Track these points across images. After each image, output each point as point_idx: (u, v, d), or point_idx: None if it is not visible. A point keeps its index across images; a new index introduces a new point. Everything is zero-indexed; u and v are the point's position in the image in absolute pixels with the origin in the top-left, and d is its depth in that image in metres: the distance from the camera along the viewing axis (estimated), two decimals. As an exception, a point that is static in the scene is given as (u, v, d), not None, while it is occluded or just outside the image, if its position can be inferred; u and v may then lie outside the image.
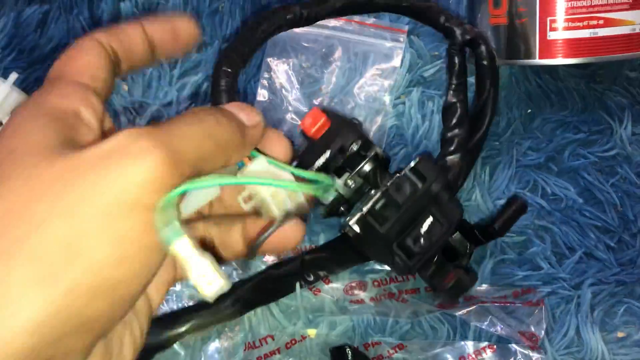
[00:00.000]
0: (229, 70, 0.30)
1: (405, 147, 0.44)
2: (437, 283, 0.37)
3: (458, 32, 0.38)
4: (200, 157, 0.22)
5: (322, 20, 0.35)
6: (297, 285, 0.41)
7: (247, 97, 0.46)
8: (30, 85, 0.45)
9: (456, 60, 0.39)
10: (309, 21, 0.34)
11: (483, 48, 0.39)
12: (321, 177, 0.28)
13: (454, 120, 0.38)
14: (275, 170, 0.27)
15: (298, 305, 0.41)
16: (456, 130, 0.38)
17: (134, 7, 0.47)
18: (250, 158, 0.26)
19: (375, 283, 0.41)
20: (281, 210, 0.27)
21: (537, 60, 0.41)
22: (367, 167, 0.35)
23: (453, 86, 0.39)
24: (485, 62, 0.39)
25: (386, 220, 0.33)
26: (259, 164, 0.26)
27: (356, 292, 0.41)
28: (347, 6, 0.36)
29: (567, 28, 0.39)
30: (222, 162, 0.23)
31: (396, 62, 0.46)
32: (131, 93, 0.45)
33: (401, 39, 0.46)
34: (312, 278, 0.41)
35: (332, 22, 0.47)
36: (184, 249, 0.21)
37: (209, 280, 0.21)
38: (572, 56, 0.40)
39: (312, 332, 0.41)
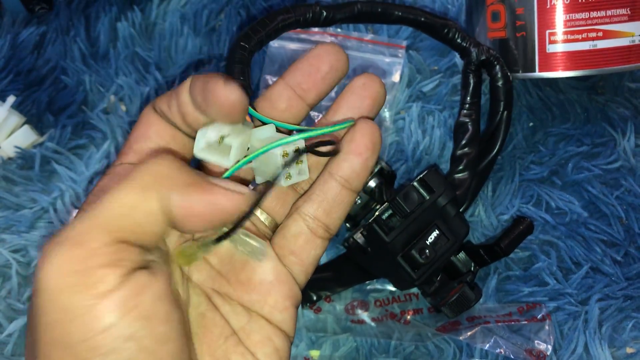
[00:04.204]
0: (245, 45, 0.30)
1: (406, 163, 0.44)
2: (440, 298, 0.37)
3: (474, 52, 0.38)
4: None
5: (338, 24, 0.34)
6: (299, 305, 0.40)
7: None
8: (27, 107, 0.45)
9: (471, 80, 0.38)
10: (326, 23, 0.33)
11: (498, 69, 0.38)
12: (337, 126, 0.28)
13: (465, 140, 0.38)
14: (281, 137, 0.27)
15: (300, 325, 0.40)
16: (466, 149, 0.38)
17: (131, 27, 0.46)
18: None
19: (378, 303, 0.41)
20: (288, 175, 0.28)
21: (537, 74, 0.40)
22: (372, 183, 0.35)
23: (466, 105, 0.38)
24: (499, 84, 0.38)
25: (392, 230, 0.33)
26: (267, 131, 0.27)
27: (358, 311, 0.41)
28: (365, 15, 0.35)
29: (567, 41, 0.39)
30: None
31: (395, 77, 0.46)
32: (129, 113, 0.45)
33: (400, 55, 0.46)
34: (314, 298, 0.40)
35: (328, 38, 0.47)
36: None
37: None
38: (572, 68, 0.39)
39: (315, 353, 0.40)
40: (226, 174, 0.26)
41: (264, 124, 0.28)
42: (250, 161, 0.26)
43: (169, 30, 0.47)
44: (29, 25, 0.47)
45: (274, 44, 0.46)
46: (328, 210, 0.28)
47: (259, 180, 0.30)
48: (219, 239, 0.25)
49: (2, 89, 0.45)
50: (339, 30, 0.47)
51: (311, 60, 0.29)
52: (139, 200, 0.22)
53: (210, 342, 0.26)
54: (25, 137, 0.43)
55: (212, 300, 0.27)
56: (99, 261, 0.21)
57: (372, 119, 0.30)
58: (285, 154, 0.26)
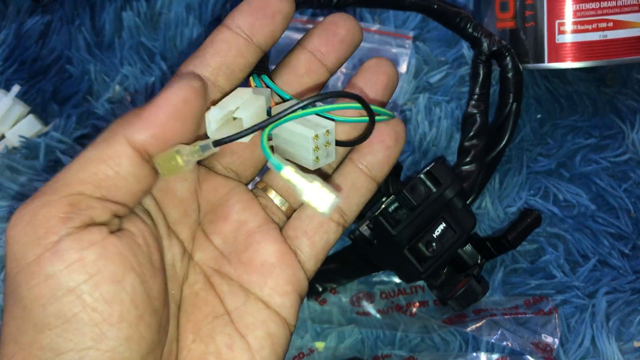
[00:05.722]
0: None
1: (413, 154, 0.44)
2: (446, 292, 0.37)
3: (485, 42, 0.37)
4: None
5: (352, 7, 0.33)
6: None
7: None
8: (32, 96, 0.44)
9: (481, 70, 0.38)
10: (340, 5, 0.32)
11: (509, 61, 0.38)
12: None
13: (473, 131, 0.37)
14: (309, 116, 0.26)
15: (305, 317, 0.40)
16: (474, 141, 0.37)
17: (136, 17, 0.46)
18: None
19: (383, 295, 0.40)
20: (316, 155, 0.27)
21: (546, 64, 0.40)
22: None
23: (475, 96, 0.38)
24: (509, 76, 0.38)
25: (399, 222, 0.33)
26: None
27: (363, 303, 0.40)
28: None
29: (576, 31, 0.39)
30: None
31: (402, 68, 0.45)
32: (134, 103, 0.45)
33: (406, 45, 0.46)
34: (320, 289, 0.40)
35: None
36: (291, 174, 0.23)
37: (322, 197, 0.23)
38: (582, 59, 0.39)
39: (320, 345, 0.40)
40: (240, 136, 0.24)
41: (283, 99, 0.27)
42: (275, 126, 0.25)
43: (175, 20, 0.46)
44: (34, 14, 0.47)
45: (280, 34, 0.46)
46: (346, 193, 0.28)
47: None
48: (215, 142, 0.24)
49: (6, 78, 0.44)
50: (345, 20, 0.47)
51: (327, 26, 0.28)
52: (94, 153, 0.22)
53: (196, 320, 0.26)
54: (30, 126, 0.43)
55: (211, 280, 0.27)
56: (51, 212, 0.21)
57: (389, 97, 0.29)
58: (316, 137, 0.25)
